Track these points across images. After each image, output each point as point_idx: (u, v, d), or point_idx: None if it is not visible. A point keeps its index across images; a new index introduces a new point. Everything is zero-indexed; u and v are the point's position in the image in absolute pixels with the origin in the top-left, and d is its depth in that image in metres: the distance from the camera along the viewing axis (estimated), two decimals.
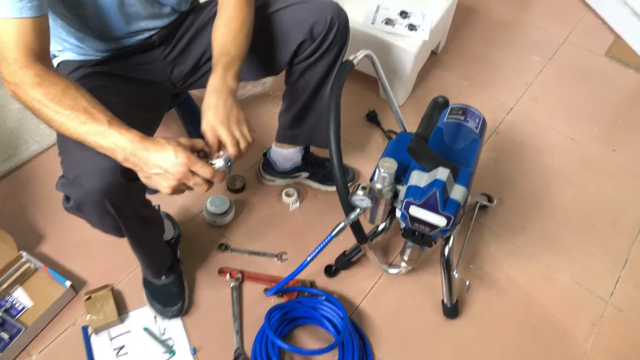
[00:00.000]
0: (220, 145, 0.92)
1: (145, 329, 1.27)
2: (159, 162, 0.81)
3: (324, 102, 1.26)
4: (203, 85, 1.25)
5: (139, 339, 1.26)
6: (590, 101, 1.87)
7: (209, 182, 0.85)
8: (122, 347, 1.25)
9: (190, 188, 0.85)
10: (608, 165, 1.69)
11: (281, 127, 1.39)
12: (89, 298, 1.29)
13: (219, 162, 0.88)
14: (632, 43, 2.05)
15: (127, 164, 0.83)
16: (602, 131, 1.78)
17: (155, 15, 1.07)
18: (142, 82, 1.12)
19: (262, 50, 1.14)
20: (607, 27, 2.15)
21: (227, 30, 1.02)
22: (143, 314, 1.30)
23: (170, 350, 1.25)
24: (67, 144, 0.92)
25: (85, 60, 1.06)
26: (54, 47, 1.05)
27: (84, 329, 1.27)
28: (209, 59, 1.14)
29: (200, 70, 1.19)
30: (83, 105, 0.82)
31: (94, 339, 1.25)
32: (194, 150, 0.86)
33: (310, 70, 1.19)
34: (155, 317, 1.30)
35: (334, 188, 1.53)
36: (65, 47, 1.05)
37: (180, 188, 0.85)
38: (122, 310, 1.31)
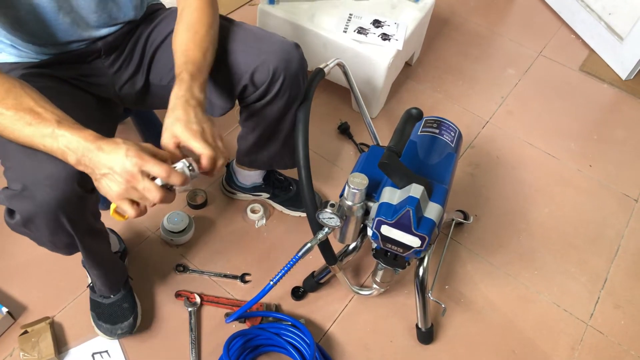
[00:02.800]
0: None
1: None
2: (108, 162, 0.71)
3: (283, 133, 1.17)
4: (157, 106, 1.16)
5: None
6: (565, 116, 1.85)
7: (162, 191, 0.73)
8: None
9: (145, 201, 0.74)
10: (585, 181, 1.65)
11: (239, 152, 1.30)
12: (25, 332, 1.15)
13: (178, 165, 0.77)
14: (606, 58, 2.04)
15: (80, 167, 0.74)
16: (578, 146, 1.75)
17: (102, 24, 0.97)
18: (88, 94, 1.02)
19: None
20: (581, 41, 2.14)
21: (190, 36, 0.91)
22: (83, 351, 1.17)
23: None
24: (10, 150, 0.81)
25: (22, 62, 0.95)
26: None
27: None
28: (170, 79, 1.05)
29: (156, 92, 1.09)
30: (28, 105, 0.73)
31: None
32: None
33: (260, 113, 1.10)
34: (93, 355, 1.16)
35: (296, 213, 1.45)
36: None
37: (131, 196, 0.73)
38: (61, 346, 1.17)
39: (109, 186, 0.73)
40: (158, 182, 0.74)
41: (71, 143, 0.72)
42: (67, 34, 0.94)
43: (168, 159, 0.77)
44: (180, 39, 0.92)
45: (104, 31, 0.99)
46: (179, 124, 0.80)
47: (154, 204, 0.75)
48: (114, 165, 0.71)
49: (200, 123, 0.81)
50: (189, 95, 0.84)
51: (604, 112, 1.90)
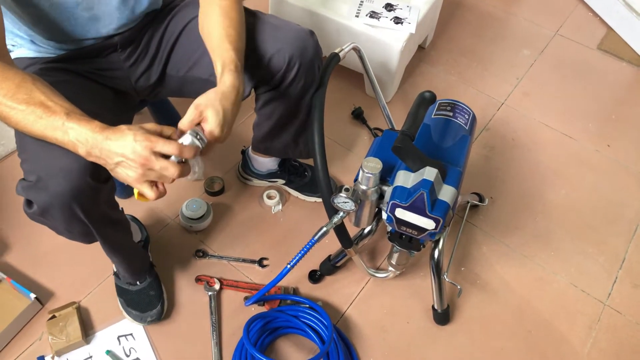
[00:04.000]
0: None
1: (108, 352, 1.18)
2: (119, 149, 0.73)
3: (299, 120, 1.18)
4: (170, 96, 1.19)
5: None
6: (583, 95, 1.82)
7: (179, 166, 0.75)
8: None
9: (164, 179, 0.77)
10: (603, 161, 1.63)
11: (255, 139, 1.32)
12: (53, 317, 1.20)
13: (185, 139, 0.79)
14: (625, 36, 2.00)
15: (91, 158, 0.76)
16: (596, 127, 1.72)
17: (124, 19, 0.98)
18: (105, 87, 1.04)
19: None
20: (598, 19, 2.09)
21: (228, 22, 0.91)
22: (109, 334, 1.21)
23: None
24: (27, 142, 0.84)
25: (40, 57, 0.98)
26: (8, 41, 0.97)
27: None
28: (187, 70, 1.07)
29: (171, 83, 1.11)
30: (39, 99, 0.75)
31: None
32: (162, 136, 0.77)
33: (276, 100, 1.11)
34: (118, 338, 1.21)
35: (312, 198, 1.46)
36: (18, 42, 0.96)
37: (150, 178, 0.76)
38: (88, 329, 1.22)
39: (126, 173, 0.75)
40: (173, 159, 0.76)
41: (80, 135, 0.74)
42: (85, 30, 0.96)
43: (173, 134, 0.79)
44: (216, 23, 0.91)
45: (121, 28, 1.00)
46: (218, 119, 0.81)
47: (173, 180, 0.77)
48: (125, 151, 0.73)
49: (233, 119, 0.84)
50: (241, 87, 0.86)
51: (623, 91, 1.86)
